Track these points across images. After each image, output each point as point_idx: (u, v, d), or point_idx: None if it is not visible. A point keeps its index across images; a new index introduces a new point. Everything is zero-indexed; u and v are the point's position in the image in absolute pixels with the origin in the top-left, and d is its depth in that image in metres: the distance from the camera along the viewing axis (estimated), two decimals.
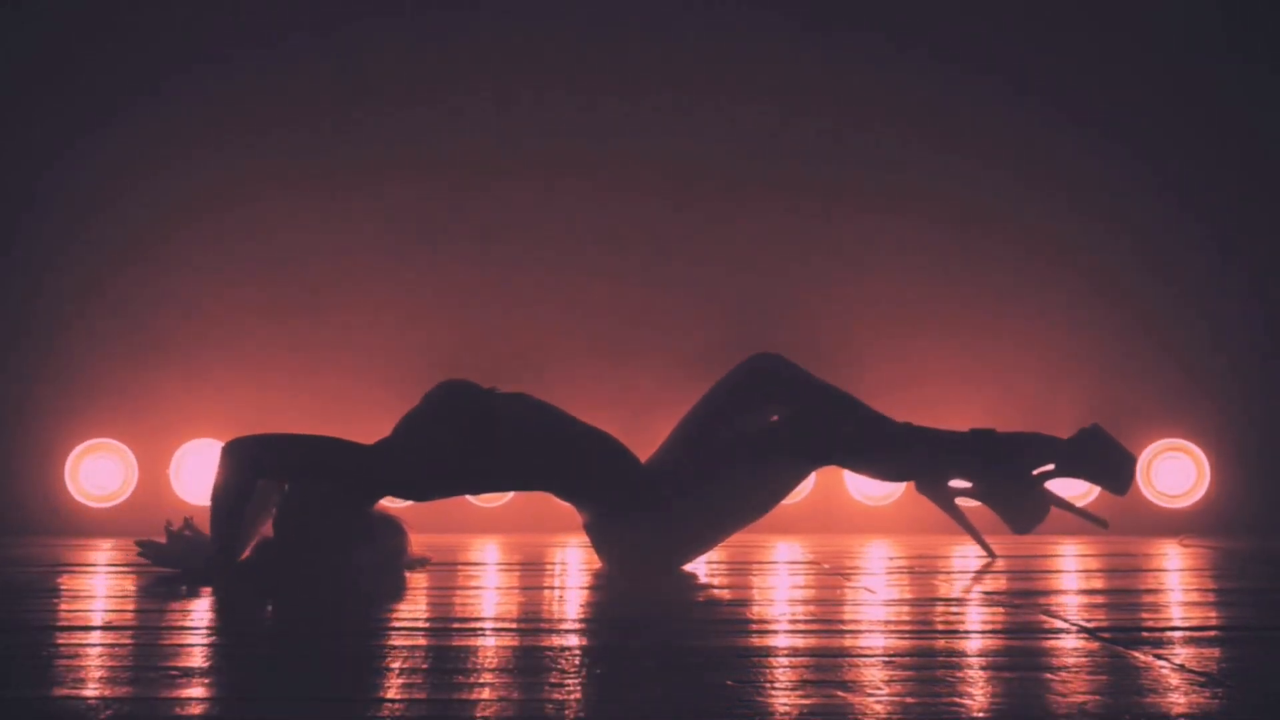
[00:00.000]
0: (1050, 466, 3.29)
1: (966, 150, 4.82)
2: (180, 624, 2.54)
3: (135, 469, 4.65)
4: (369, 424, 4.65)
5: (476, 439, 3.18)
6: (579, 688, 1.94)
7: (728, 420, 3.28)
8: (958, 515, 3.34)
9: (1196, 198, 4.82)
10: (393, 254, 4.81)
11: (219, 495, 3.14)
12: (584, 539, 3.66)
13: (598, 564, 3.43)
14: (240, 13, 4.84)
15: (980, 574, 3.31)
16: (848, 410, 3.27)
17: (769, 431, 3.26)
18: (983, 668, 2.06)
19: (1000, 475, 3.28)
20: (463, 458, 3.18)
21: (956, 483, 3.31)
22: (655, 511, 3.21)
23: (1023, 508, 3.27)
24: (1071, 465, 3.27)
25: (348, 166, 4.82)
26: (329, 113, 4.84)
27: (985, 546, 3.50)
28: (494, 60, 4.87)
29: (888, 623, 2.52)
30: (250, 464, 3.13)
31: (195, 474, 4.61)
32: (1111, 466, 3.25)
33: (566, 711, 1.80)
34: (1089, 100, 4.84)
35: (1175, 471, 4.64)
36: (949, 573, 3.36)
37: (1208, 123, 4.84)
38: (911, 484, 3.39)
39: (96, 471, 4.64)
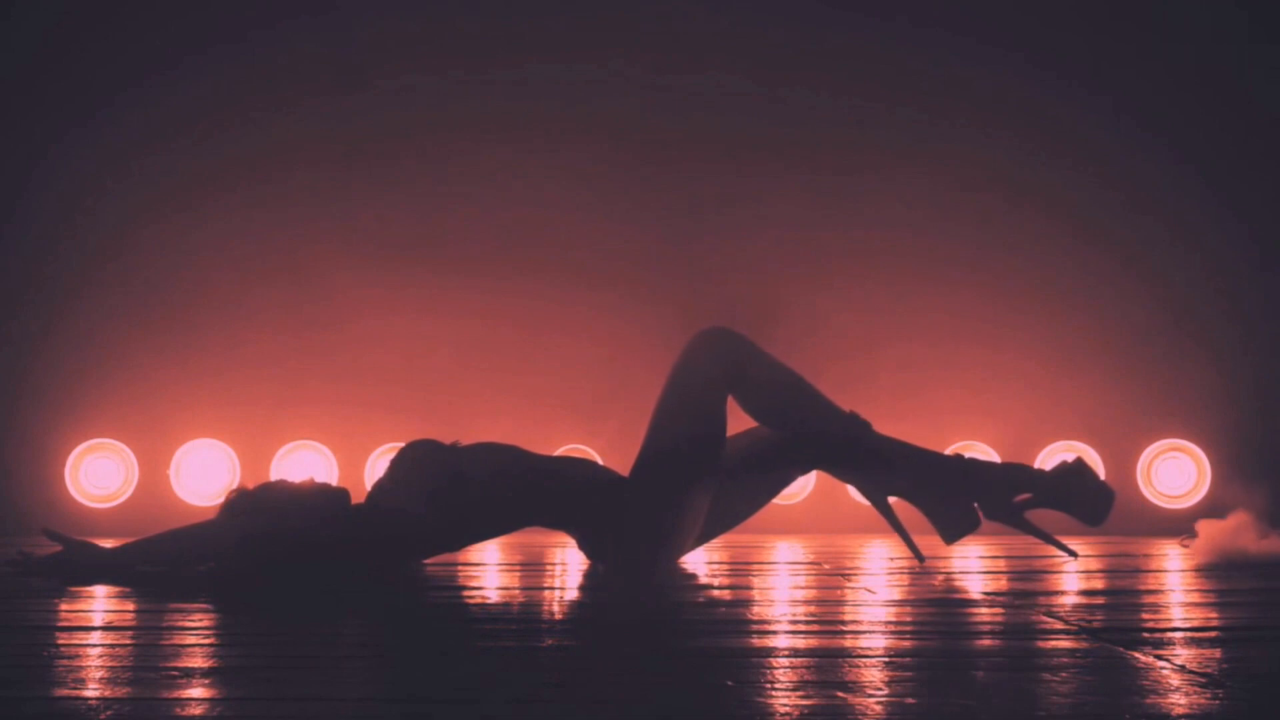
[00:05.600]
0: (1028, 496, 3.41)
1: (967, 146, 4.81)
2: (180, 624, 2.54)
3: (135, 469, 4.65)
4: (369, 427, 4.66)
5: (448, 502, 3.18)
6: (578, 688, 1.94)
7: (690, 414, 3.29)
8: (888, 513, 3.41)
9: (1198, 197, 4.82)
10: (400, 255, 4.79)
11: (193, 541, 3.14)
12: None
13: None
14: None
15: (915, 573, 3.30)
16: (814, 412, 3.33)
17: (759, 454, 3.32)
18: (983, 668, 2.06)
19: (985, 504, 3.39)
20: (437, 522, 3.18)
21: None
22: (636, 516, 3.24)
23: (954, 516, 3.37)
24: (1050, 496, 3.40)
25: (357, 164, 4.81)
26: (338, 107, 4.81)
27: (913, 547, 3.47)
28: (487, 47, 4.86)
29: (888, 623, 2.52)
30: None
31: (195, 474, 4.61)
32: (1088, 500, 3.41)
33: (566, 712, 1.80)
34: (1101, 87, 4.82)
35: (1175, 471, 4.64)
36: (949, 573, 3.36)
37: (1221, 115, 4.82)
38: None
39: (96, 471, 4.64)
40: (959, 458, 3.43)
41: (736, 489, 3.38)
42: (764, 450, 3.40)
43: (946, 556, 3.72)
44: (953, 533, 3.39)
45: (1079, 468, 3.42)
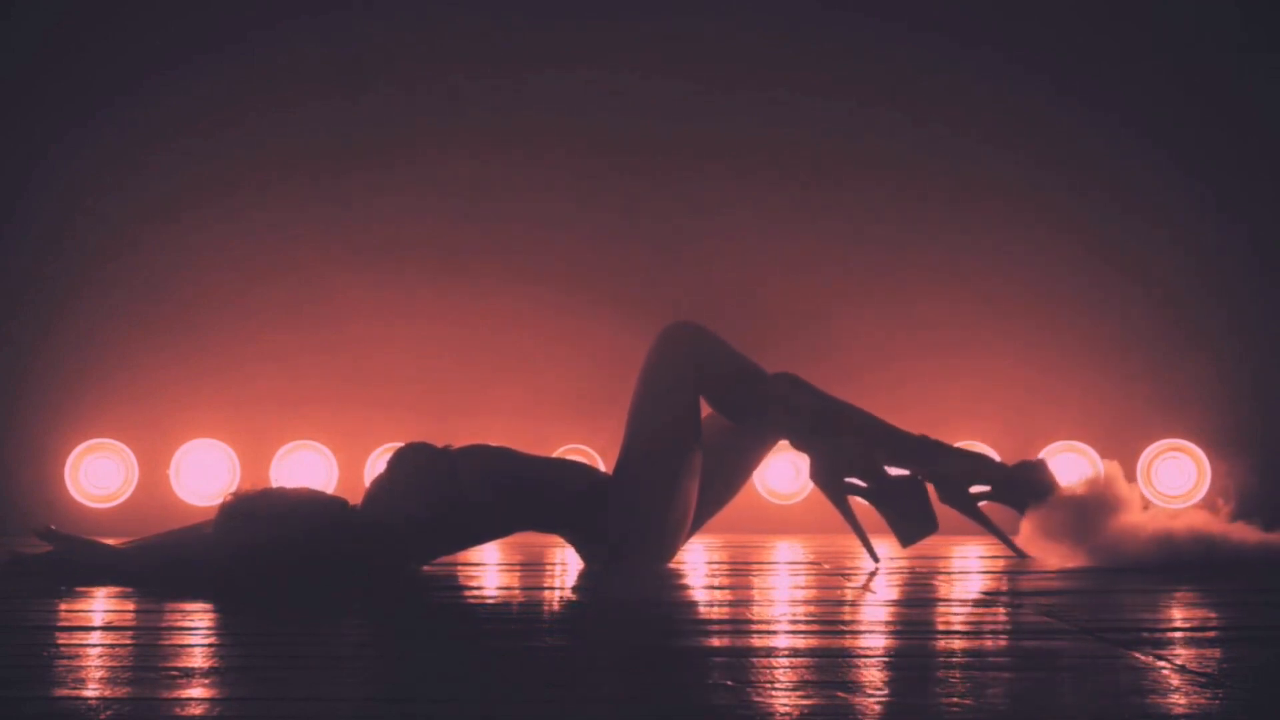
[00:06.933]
0: (987, 488, 3.38)
1: (965, 140, 4.81)
2: (180, 624, 2.54)
3: (135, 469, 4.64)
4: (369, 427, 4.66)
5: (444, 506, 3.17)
6: (578, 688, 1.94)
7: (662, 409, 3.30)
8: (848, 512, 3.38)
9: (1197, 198, 4.82)
10: (401, 255, 4.79)
11: (190, 551, 3.12)
12: None
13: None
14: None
15: (872, 575, 3.29)
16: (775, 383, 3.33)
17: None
18: (983, 668, 2.06)
19: (940, 488, 3.36)
20: (435, 526, 3.18)
21: (850, 479, 3.36)
22: (623, 515, 3.24)
23: (913, 519, 3.34)
24: (1006, 492, 3.38)
25: (358, 165, 4.80)
26: (341, 107, 4.81)
27: (870, 549, 3.45)
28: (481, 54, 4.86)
29: (888, 623, 2.52)
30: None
31: (195, 474, 4.61)
32: (1040, 503, 3.37)
33: (566, 712, 1.80)
34: (1096, 90, 4.82)
35: (1175, 471, 4.64)
36: (949, 573, 3.36)
37: (1218, 115, 4.82)
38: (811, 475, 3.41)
39: (96, 471, 4.64)
40: (922, 438, 3.40)
41: (716, 472, 3.39)
42: (736, 431, 3.41)
43: (946, 556, 3.72)
44: (909, 536, 3.37)
45: (1039, 468, 3.39)
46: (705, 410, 3.37)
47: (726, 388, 3.34)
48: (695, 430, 3.30)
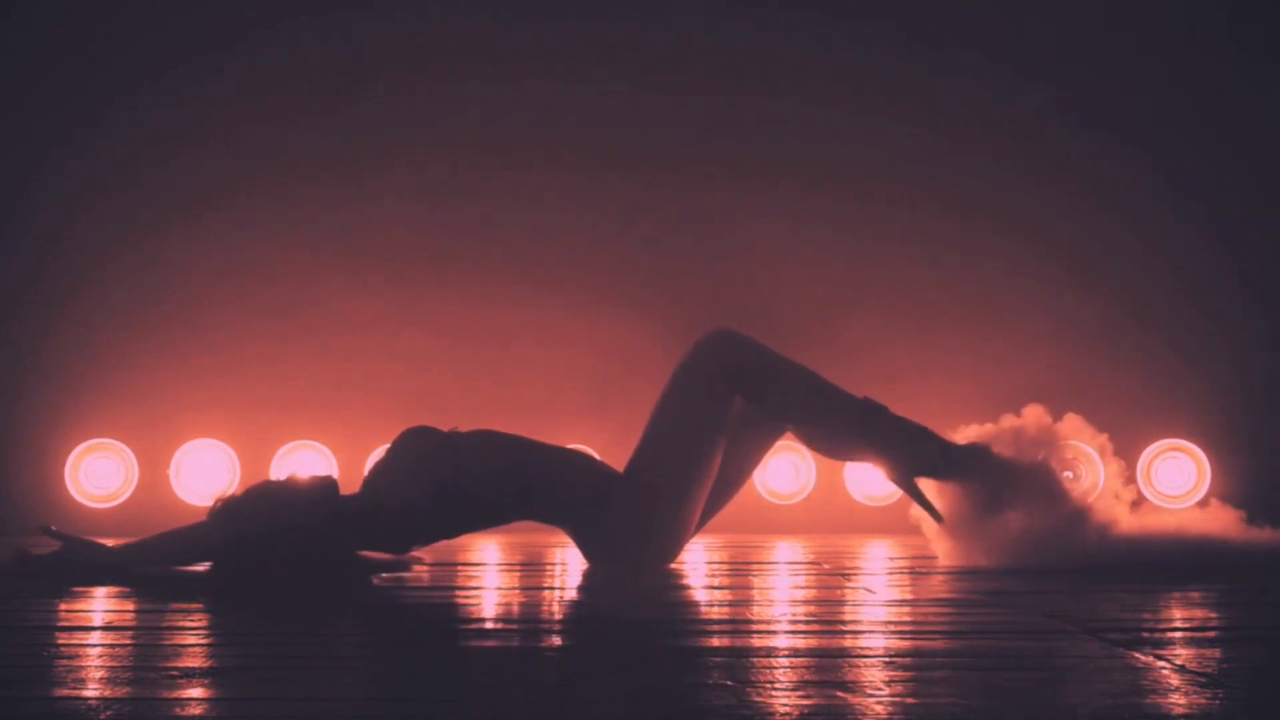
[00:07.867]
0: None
1: (962, 138, 4.81)
2: (180, 624, 2.54)
3: (135, 469, 4.64)
4: (369, 427, 4.65)
5: (446, 495, 3.15)
6: (578, 688, 1.94)
7: (691, 412, 3.27)
8: (918, 495, 3.34)
9: (1199, 194, 4.82)
10: (401, 257, 4.79)
11: (192, 546, 3.12)
12: None
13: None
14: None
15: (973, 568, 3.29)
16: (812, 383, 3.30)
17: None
18: (983, 668, 2.06)
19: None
20: (437, 509, 3.16)
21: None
22: (628, 513, 3.22)
23: (991, 485, 3.32)
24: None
25: (359, 168, 4.80)
26: (342, 105, 4.81)
27: (934, 512, 3.40)
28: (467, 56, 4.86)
29: (888, 623, 2.52)
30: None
31: (195, 474, 4.61)
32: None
33: (566, 712, 1.80)
34: (1093, 90, 4.83)
35: (1175, 471, 4.64)
36: (949, 573, 3.35)
37: (1213, 118, 4.83)
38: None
39: (96, 471, 4.64)
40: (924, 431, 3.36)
41: (722, 474, 3.37)
42: (744, 432, 3.40)
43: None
44: (993, 506, 3.34)
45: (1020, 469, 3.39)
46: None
47: (773, 391, 3.30)
48: (720, 438, 3.28)
